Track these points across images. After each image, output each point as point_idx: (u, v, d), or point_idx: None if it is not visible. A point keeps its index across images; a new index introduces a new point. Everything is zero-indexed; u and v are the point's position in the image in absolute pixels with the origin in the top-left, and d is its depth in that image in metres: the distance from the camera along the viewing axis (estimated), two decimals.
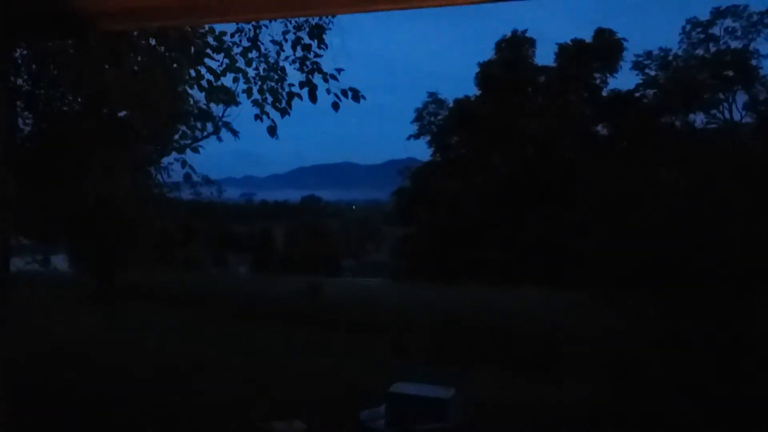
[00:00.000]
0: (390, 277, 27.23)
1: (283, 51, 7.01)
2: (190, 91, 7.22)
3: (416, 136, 29.13)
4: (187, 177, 8.05)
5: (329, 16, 6.73)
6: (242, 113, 7.70)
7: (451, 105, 28.49)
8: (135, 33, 6.06)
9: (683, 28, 24.86)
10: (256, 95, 6.94)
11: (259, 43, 6.97)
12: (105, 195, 7.09)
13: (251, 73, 6.96)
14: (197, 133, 8.29)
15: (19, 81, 6.40)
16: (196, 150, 7.86)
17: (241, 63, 6.86)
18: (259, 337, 11.35)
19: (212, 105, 7.49)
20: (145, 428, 6.10)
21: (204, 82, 6.80)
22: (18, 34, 1.53)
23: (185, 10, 1.32)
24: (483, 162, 25.92)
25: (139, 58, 6.57)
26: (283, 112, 6.98)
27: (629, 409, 6.68)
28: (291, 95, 6.90)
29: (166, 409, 6.56)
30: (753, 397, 6.15)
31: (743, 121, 24.70)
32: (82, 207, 7.77)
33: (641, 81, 25.56)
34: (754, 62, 23.90)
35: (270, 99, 6.96)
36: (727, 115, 24.87)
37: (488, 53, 27.47)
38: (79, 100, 6.91)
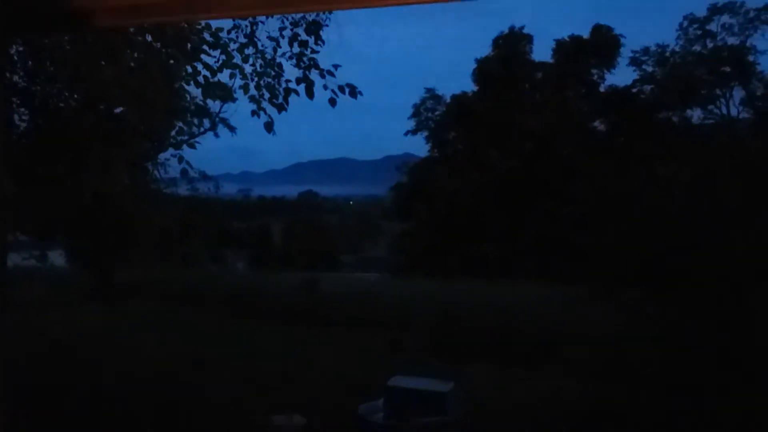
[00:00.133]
0: (388, 272, 27.24)
1: (280, 47, 7.02)
2: (186, 87, 7.20)
3: (414, 132, 29.16)
4: (184, 173, 8.01)
5: (326, 13, 6.72)
6: (239, 109, 7.69)
7: (448, 101, 28.50)
8: (131, 29, 6.04)
9: (680, 24, 24.88)
10: (253, 91, 6.95)
11: (255, 39, 6.97)
12: (102, 191, 7.08)
13: (248, 69, 6.96)
14: (194, 129, 8.26)
15: (16, 77, 6.37)
16: (193, 146, 7.84)
17: (237, 59, 6.86)
18: (258, 334, 11.36)
19: (209, 101, 7.48)
20: (145, 428, 6.10)
21: (201, 79, 6.80)
22: (14, 30, 1.53)
23: (182, 6, 1.32)
24: (480, 158, 25.92)
25: (136, 55, 6.55)
26: (280, 108, 6.98)
27: (627, 406, 6.69)
28: (288, 91, 6.91)
29: (166, 406, 6.56)
30: (752, 397, 6.16)
31: (740, 116, 24.74)
32: (79, 203, 7.76)
33: (638, 77, 25.61)
34: (750, 58, 23.95)
35: (267, 95, 6.96)
36: (724, 111, 24.91)
37: (486, 49, 27.50)
38: (76, 96, 6.89)
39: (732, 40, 24.16)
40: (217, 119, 9.11)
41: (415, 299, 13.41)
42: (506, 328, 10.47)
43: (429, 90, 29.22)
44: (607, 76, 26.39)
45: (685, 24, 24.74)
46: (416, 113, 29.22)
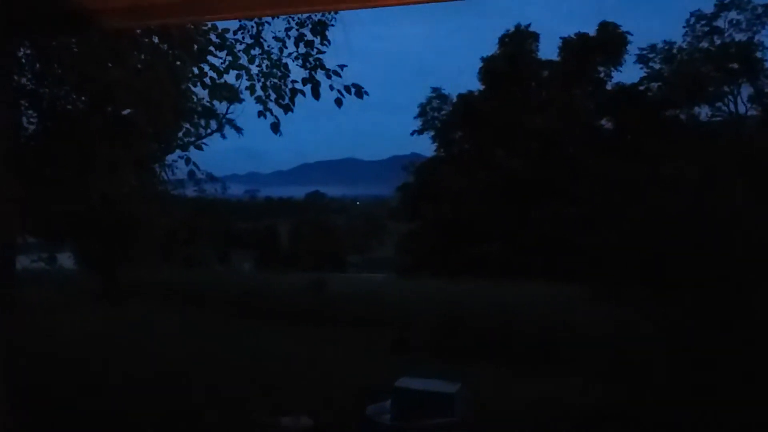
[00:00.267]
0: (395, 272, 27.23)
1: (286, 48, 7.04)
2: (193, 88, 7.23)
3: (420, 132, 29.14)
4: (191, 174, 8.04)
5: (332, 12, 6.73)
6: (246, 110, 7.71)
7: (454, 100, 28.46)
8: (138, 31, 6.06)
9: (687, 21, 24.78)
10: (259, 92, 6.97)
11: (261, 39, 7.00)
12: (109, 193, 7.11)
13: (254, 70, 6.99)
14: (201, 130, 8.28)
15: (23, 80, 6.41)
16: (199, 147, 7.87)
17: (243, 60, 6.89)
18: (264, 334, 11.38)
19: (216, 102, 7.50)
20: (145, 428, 6.12)
21: (207, 80, 6.83)
22: (21, 32, 1.53)
23: (188, 7, 1.31)
24: (487, 157, 25.88)
25: (143, 56, 6.58)
26: (287, 109, 7.00)
27: (631, 407, 6.66)
28: (294, 92, 6.93)
29: (170, 406, 6.58)
30: (758, 399, 6.12)
31: (748, 113, 24.62)
32: (87, 205, 7.80)
33: (645, 74, 25.52)
34: (759, 54, 23.82)
35: (273, 96, 6.98)
36: (732, 108, 24.78)
37: (492, 48, 27.46)
38: (83, 98, 6.92)
39: (740, 37, 24.06)
40: (223, 120, 9.13)
41: (421, 299, 13.39)
42: (512, 328, 10.43)
43: (435, 89, 29.22)
44: (614, 73, 26.31)
45: (692, 21, 24.66)
46: (422, 113, 29.21)
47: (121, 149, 6.65)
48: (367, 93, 6.67)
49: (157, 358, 8.66)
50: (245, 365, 8.74)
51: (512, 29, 26.97)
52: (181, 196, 16.41)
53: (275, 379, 8.01)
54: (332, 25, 7.05)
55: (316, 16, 6.79)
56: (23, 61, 6.10)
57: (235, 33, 6.88)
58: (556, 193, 22.84)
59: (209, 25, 6.53)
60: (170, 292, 15.06)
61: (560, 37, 26.44)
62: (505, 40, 26.99)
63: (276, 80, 7.01)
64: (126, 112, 7.07)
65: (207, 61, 6.69)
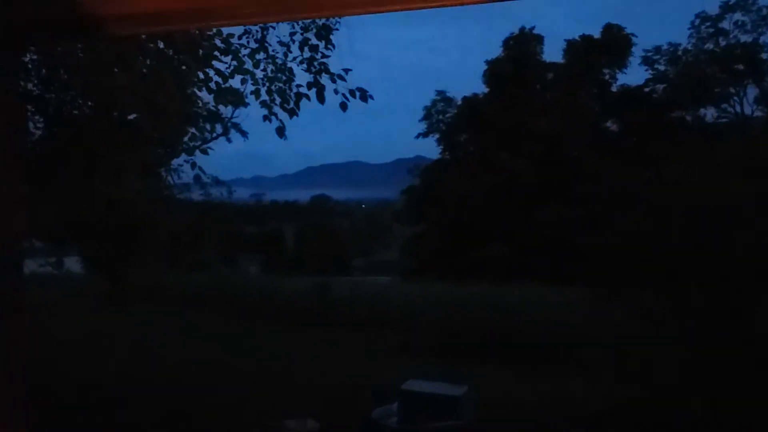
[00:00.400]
0: (400, 275, 27.21)
1: (291, 52, 7.05)
2: (198, 93, 7.26)
3: (425, 135, 29.12)
4: (197, 178, 8.08)
5: (336, 17, 6.74)
6: (251, 114, 7.73)
7: (459, 103, 28.46)
8: (143, 36, 6.10)
9: (692, 22, 24.73)
10: (264, 96, 6.98)
11: (266, 44, 7.01)
12: (115, 197, 7.15)
13: (259, 74, 7.00)
14: (206, 134, 8.31)
15: (30, 85, 6.45)
16: (205, 152, 7.89)
17: (248, 65, 6.90)
18: (270, 337, 11.40)
19: (221, 106, 7.53)
20: (145, 429, 6.13)
21: (212, 84, 6.84)
22: (27, 39, 1.55)
23: (194, 14, 1.33)
24: (492, 160, 25.87)
25: (148, 62, 6.61)
26: (291, 113, 7.01)
27: (637, 408, 6.65)
28: (299, 96, 6.94)
29: (175, 408, 6.59)
30: (762, 399, 6.10)
31: (754, 114, 24.54)
32: (93, 209, 7.84)
33: (651, 76, 25.46)
34: (764, 56, 23.75)
35: (278, 100, 6.99)
36: (738, 109, 24.71)
37: (496, 51, 27.46)
38: (89, 103, 6.96)
39: (745, 38, 23.98)
40: (228, 124, 9.16)
41: (425, 302, 13.40)
42: (517, 330, 10.44)
43: (440, 92, 29.23)
44: (619, 75, 26.28)
45: (697, 22, 24.61)
46: (427, 115, 29.21)
47: (126, 154, 6.68)
48: (371, 97, 6.69)
49: (162, 360, 8.69)
50: (250, 368, 8.75)
51: (517, 32, 26.98)
52: (187, 199, 16.46)
53: (281, 381, 8.02)
54: (336, 29, 7.07)
55: (320, 20, 6.81)
56: (29, 66, 6.14)
57: (239, 38, 6.91)
58: (561, 195, 22.80)
59: (214, 30, 6.56)
60: (175, 295, 15.11)
61: (565, 40, 26.46)
62: (510, 42, 26.99)
63: (281, 84, 7.03)
64: (131, 116, 7.11)
65: (212, 66, 6.71)
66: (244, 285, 17.98)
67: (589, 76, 26.17)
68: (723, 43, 24.38)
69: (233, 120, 9.52)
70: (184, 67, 6.76)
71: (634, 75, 26.37)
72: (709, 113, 24.76)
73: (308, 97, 6.87)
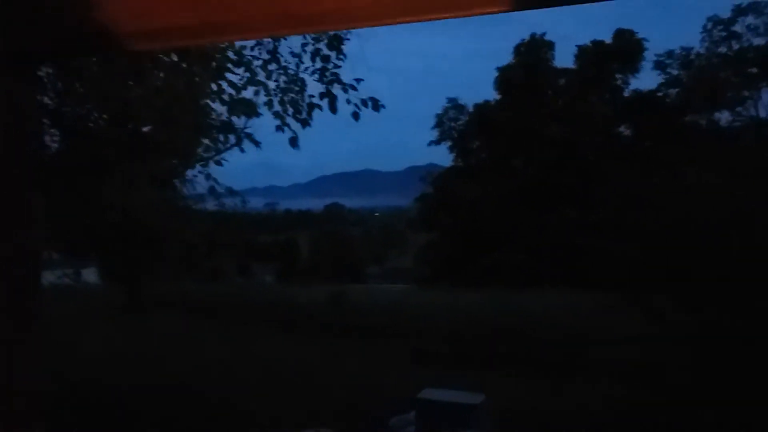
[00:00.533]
0: (414, 282, 27.19)
1: (303, 63, 7.09)
2: (212, 104, 7.32)
3: (437, 142, 29.16)
4: (211, 189, 8.15)
5: (347, 30, 6.79)
6: (264, 124, 7.79)
7: (471, 110, 28.46)
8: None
9: (704, 26, 24.58)
10: (276, 107, 7.02)
11: (278, 55, 7.06)
12: (129, 208, 7.22)
13: (271, 85, 7.05)
14: (220, 145, 8.38)
15: (46, 99, 6.55)
16: (219, 163, 7.97)
17: (261, 76, 6.96)
18: (287, 346, 11.43)
19: (234, 117, 7.59)
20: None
21: (225, 96, 6.90)
22: (44, 54, 1.59)
23: (207, 30, 1.36)
24: (504, 166, 25.82)
25: (162, 75, 6.69)
26: (304, 123, 7.05)
27: (655, 413, 6.60)
28: (311, 106, 6.97)
29: (193, 419, 6.63)
30: None
31: None
32: (109, 220, 7.92)
33: (663, 81, 25.33)
34: None
35: (291, 110, 7.04)
36: (752, 113, 24.48)
37: (507, 57, 27.46)
38: (105, 116, 7.05)
39: (758, 41, 23.78)
40: (242, 135, 9.23)
41: (440, 309, 13.39)
42: (532, 336, 10.39)
43: (451, 99, 29.25)
44: (632, 80, 26.17)
45: (709, 26, 24.45)
46: (439, 123, 29.24)
47: (141, 165, 6.76)
48: (383, 106, 6.71)
49: (178, 369, 8.74)
50: (265, 377, 8.78)
51: (528, 38, 26.96)
52: (202, 210, 16.57)
53: (296, 390, 8.04)
54: (348, 39, 7.11)
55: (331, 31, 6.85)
56: (45, 80, 6.23)
57: (252, 49, 6.97)
58: (573, 200, 22.70)
59: (226, 43, 6.62)
60: (191, 304, 15.20)
61: (576, 45, 26.41)
62: (521, 49, 26.98)
63: (293, 95, 7.07)
64: (146, 129, 7.19)
65: (225, 78, 6.77)
66: (258, 294, 18.05)
67: (601, 82, 26.09)
68: (736, 46, 24.20)
69: (246, 130, 9.60)
70: (197, 80, 6.83)
71: (646, 79, 26.28)
72: (723, 117, 24.58)
73: (320, 107, 6.91)
